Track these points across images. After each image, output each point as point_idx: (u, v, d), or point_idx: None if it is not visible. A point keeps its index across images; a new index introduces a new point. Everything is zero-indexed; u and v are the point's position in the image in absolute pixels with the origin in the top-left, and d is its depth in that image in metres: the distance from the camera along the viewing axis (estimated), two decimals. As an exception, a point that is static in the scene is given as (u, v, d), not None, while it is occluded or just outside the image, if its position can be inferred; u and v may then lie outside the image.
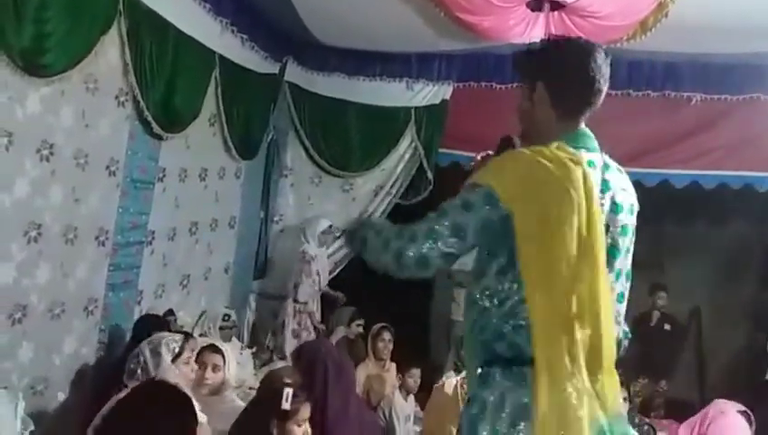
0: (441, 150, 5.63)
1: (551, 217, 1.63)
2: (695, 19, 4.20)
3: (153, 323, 3.91)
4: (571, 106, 1.81)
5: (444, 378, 5.05)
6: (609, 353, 1.68)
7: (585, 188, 1.66)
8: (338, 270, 5.91)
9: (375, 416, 4.04)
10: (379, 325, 5.16)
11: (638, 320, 6.22)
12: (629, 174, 1.88)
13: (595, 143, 1.80)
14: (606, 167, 1.79)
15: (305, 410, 2.55)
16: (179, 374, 2.86)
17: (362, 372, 4.91)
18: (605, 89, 1.81)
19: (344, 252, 5.89)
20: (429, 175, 5.62)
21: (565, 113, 1.81)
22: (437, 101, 5.64)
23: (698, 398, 5.93)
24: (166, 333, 3.15)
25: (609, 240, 1.74)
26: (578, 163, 1.69)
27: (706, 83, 5.20)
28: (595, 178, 1.71)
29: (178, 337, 3.03)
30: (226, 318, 4.67)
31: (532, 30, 4.25)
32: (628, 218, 1.80)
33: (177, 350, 2.92)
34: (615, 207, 1.77)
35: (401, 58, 5.55)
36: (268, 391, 2.67)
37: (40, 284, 3.45)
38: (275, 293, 5.75)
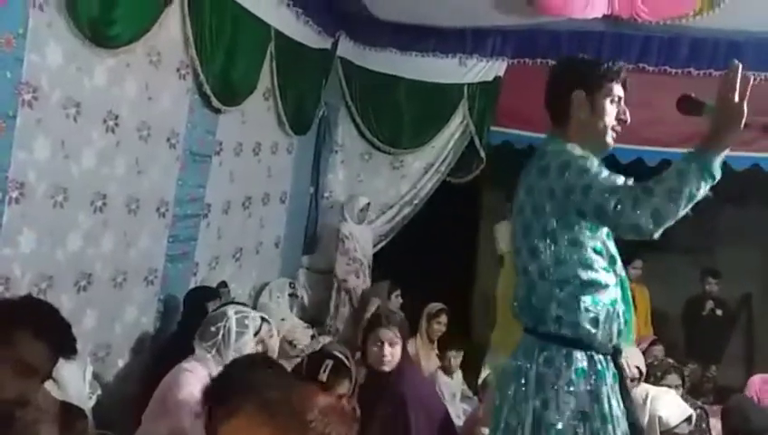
0: (493, 129, 5.56)
1: None
2: (765, -5, 4.06)
3: (206, 295, 3.99)
4: None
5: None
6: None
7: None
8: (382, 244, 5.92)
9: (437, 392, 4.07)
10: (437, 307, 5.15)
11: (688, 304, 6.14)
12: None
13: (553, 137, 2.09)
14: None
15: (342, 386, 2.55)
16: (253, 349, 2.85)
17: (410, 349, 4.93)
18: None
19: (388, 227, 5.90)
20: (482, 153, 5.56)
21: None
22: (490, 78, 5.55)
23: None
24: (249, 309, 3.12)
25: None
26: None
27: (770, 64, 5.03)
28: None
29: (259, 315, 3.02)
30: (292, 285, 4.77)
31: (594, 6, 4.16)
32: (523, 198, 2.04)
33: (257, 327, 2.90)
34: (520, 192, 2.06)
35: (455, 33, 5.47)
36: (311, 360, 2.68)
37: (104, 253, 3.52)
38: (324, 267, 5.80)
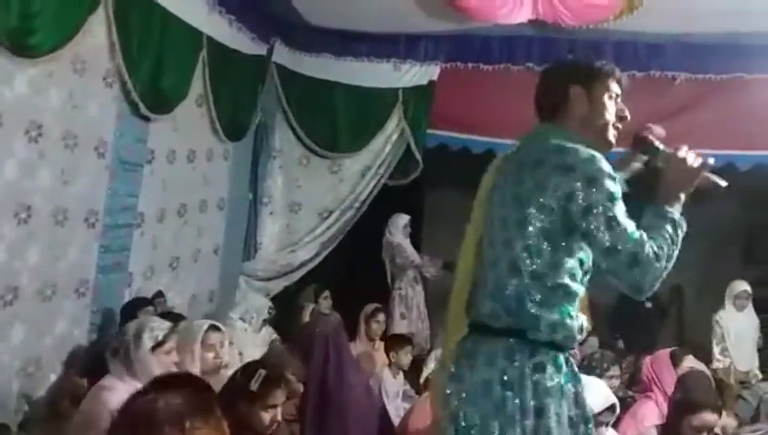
0: (429, 132, 5.65)
1: None
2: (680, -2, 4.25)
3: (138, 306, 3.94)
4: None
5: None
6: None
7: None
8: (326, 251, 5.94)
9: (374, 392, 4.11)
10: (373, 306, 5.20)
11: (622, 297, 6.33)
12: (615, 154, 2.01)
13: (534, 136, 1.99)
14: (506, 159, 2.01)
15: (275, 396, 2.48)
16: (158, 362, 2.73)
17: (353, 351, 4.96)
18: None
19: (330, 233, 5.92)
20: (417, 156, 5.64)
21: None
22: (425, 82, 5.64)
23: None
24: (156, 319, 3.03)
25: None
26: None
27: (690, 63, 5.26)
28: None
29: (166, 326, 2.86)
30: (271, 312, 4.72)
31: (519, 11, 4.27)
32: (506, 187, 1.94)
33: (159, 338, 2.75)
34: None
35: (389, 39, 5.54)
36: (246, 370, 2.61)
37: (31, 265, 3.45)
38: (264, 275, 5.79)
